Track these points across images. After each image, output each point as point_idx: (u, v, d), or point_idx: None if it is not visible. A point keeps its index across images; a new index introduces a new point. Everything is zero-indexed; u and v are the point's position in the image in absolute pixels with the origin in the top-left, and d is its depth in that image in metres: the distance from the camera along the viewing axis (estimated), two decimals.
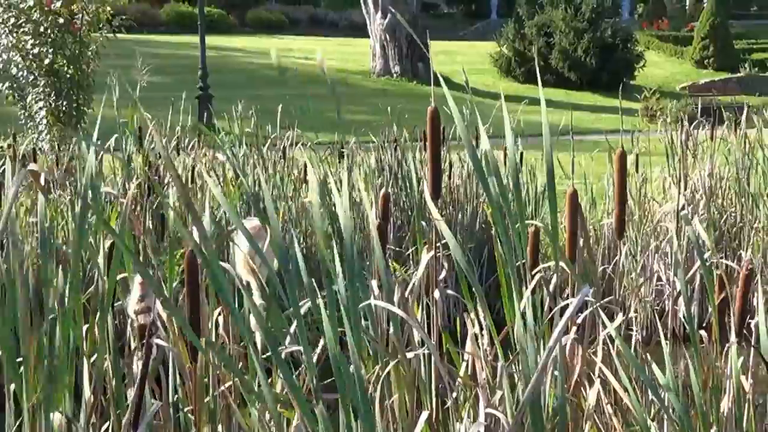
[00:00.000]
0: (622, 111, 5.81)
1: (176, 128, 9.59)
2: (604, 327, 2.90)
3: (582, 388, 3.17)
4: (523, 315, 2.25)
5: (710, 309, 2.94)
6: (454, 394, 3.07)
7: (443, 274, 3.08)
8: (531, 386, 1.84)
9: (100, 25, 13.49)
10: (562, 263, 2.71)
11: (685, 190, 8.68)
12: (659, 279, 7.96)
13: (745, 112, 9.47)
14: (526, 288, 2.80)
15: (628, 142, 8.99)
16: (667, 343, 2.84)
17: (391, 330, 2.94)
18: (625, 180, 3.13)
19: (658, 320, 3.49)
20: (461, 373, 3.01)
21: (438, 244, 3.17)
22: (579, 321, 2.78)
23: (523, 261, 2.92)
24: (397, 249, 8.05)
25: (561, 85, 35.97)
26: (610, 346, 3.19)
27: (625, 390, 2.64)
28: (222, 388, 3.03)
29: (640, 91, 29.95)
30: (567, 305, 2.98)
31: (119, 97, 7.98)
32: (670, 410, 2.60)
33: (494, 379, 2.91)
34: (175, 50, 33.73)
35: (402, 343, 2.39)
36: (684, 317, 3.00)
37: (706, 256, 4.46)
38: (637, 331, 7.27)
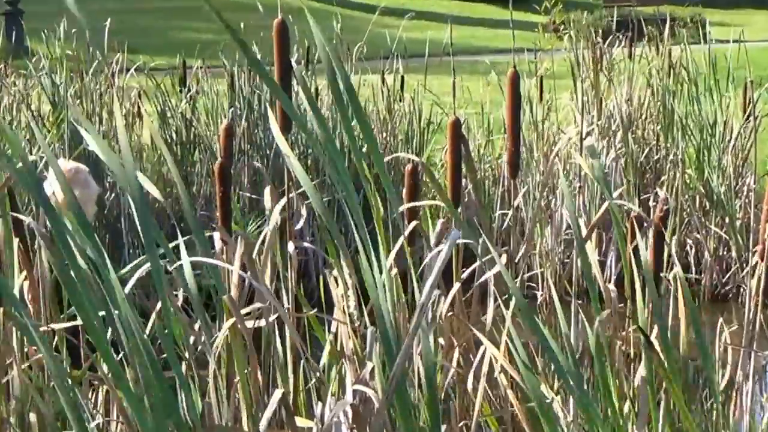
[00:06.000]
0: (519, 25, 5.82)
1: None
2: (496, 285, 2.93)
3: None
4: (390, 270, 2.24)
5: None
6: (321, 367, 3.05)
7: (300, 224, 3.04)
8: (400, 357, 1.83)
9: None
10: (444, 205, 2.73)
11: (599, 120, 8.74)
12: (569, 226, 7.97)
13: (667, 26, 9.58)
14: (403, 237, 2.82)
15: (531, 63, 9.01)
16: (573, 302, 2.87)
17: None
18: (520, 107, 3.15)
19: (547, 279, 3.53)
20: (327, 342, 3.00)
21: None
22: (464, 276, 2.80)
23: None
24: (254, 195, 8.02)
25: None
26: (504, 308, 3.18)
27: (522, 359, 2.66)
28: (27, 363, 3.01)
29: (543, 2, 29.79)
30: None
31: None
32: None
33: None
34: None
35: (236, 305, 2.37)
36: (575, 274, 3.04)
37: (615, 195, 4.53)
38: (542, 288, 7.34)
